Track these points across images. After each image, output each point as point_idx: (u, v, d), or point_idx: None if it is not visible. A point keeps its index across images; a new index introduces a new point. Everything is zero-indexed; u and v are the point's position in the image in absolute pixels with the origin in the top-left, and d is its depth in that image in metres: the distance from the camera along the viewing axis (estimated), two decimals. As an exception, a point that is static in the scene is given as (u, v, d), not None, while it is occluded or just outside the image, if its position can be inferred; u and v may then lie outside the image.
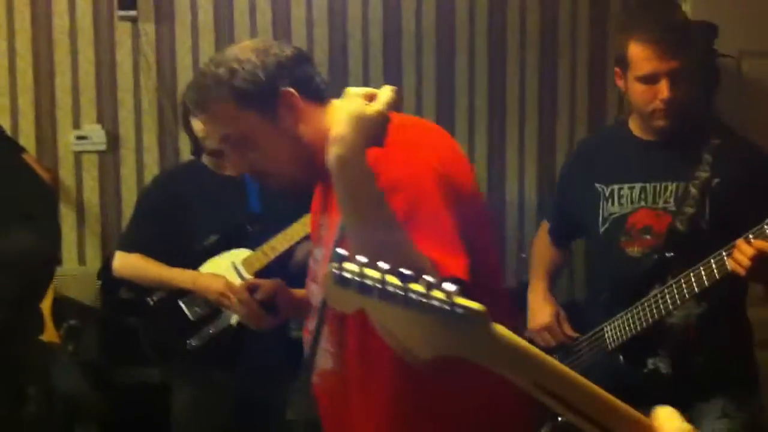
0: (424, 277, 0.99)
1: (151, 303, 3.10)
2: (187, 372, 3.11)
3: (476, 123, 4.45)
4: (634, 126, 2.51)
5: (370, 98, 1.44)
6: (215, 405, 3.07)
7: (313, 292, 1.76)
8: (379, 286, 1.00)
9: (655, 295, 2.32)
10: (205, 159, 3.13)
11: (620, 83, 2.46)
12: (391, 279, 1.00)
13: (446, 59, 4.43)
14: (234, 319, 3.02)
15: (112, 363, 3.79)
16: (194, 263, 3.06)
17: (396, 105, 1.45)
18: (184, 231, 3.07)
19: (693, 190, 2.35)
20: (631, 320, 2.38)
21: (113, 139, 4.26)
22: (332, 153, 1.39)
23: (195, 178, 3.15)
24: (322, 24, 4.32)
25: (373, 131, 1.41)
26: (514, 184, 4.49)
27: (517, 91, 4.49)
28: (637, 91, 2.37)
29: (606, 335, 2.45)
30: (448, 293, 0.98)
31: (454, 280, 1.39)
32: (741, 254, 2.09)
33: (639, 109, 2.42)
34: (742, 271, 2.09)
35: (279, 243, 2.99)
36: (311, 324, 1.72)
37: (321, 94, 1.66)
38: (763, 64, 3.59)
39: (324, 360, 1.70)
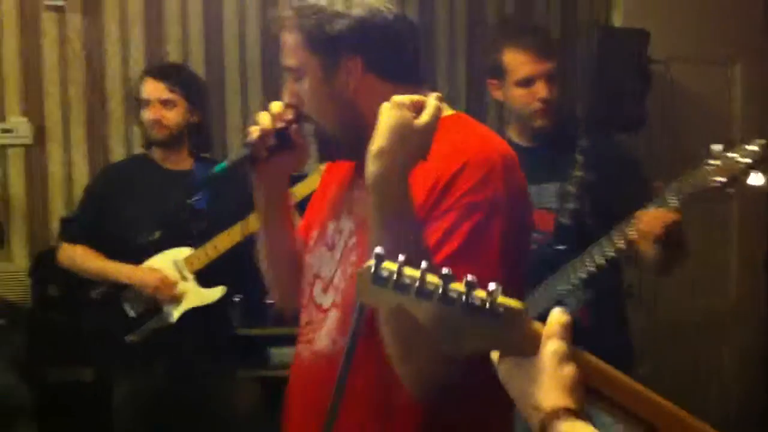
0: (468, 278, 0.98)
1: (94, 297, 3.05)
2: (127, 367, 3.08)
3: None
4: (514, 134, 2.66)
5: (417, 108, 1.32)
6: (155, 400, 3.05)
7: (323, 258, 1.67)
8: (416, 284, 0.99)
9: (548, 282, 2.46)
10: (155, 152, 3.12)
11: (497, 94, 2.63)
12: (431, 278, 1.00)
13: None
14: (174, 317, 3.01)
15: (44, 362, 3.69)
16: (138, 258, 3.04)
17: (440, 114, 1.34)
18: (128, 225, 3.05)
19: (571, 188, 2.53)
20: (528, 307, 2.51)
21: (40, 133, 4.14)
22: (370, 169, 1.30)
23: (142, 172, 3.14)
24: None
25: (419, 146, 1.30)
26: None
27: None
28: (517, 95, 2.55)
29: None
30: (489, 292, 1.00)
31: None
32: (646, 225, 2.25)
33: (519, 112, 2.59)
34: (645, 242, 2.27)
35: (221, 242, 2.99)
36: (319, 297, 1.64)
37: (397, 75, 1.56)
38: (690, 70, 3.72)
39: (325, 341, 1.60)
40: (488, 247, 1.38)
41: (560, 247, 2.50)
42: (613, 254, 2.34)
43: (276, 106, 1.63)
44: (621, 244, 2.32)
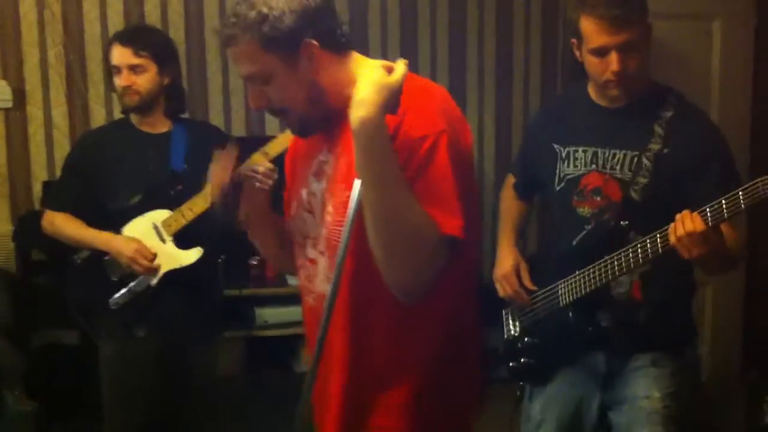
0: None
1: (78, 261, 3.07)
2: (111, 329, 3.09)
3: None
4: (592, 91, 2.62)
5: (388, 70, 1.62)
6: (140, 361, 3.07)
7: (306, 221, 1.91)
8: None
9: (606, 260, 2.43)
10: (132, 117, 3.11)
11: (577, 54, 2.55)
12: None
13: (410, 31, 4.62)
14: (155, 279, 3.03)
15: (28, 325, 3.71)
16: (120, 222, 3.05)
17: (406, 75, 1.64)
18: (109, 189, 3.06)
19: (646, 162, 2.46)
20: (583, 281, 2.51)
21: (19, 96, 4.12)
22: (355, 114, 1.58)
23: (121, 137, 3.13)
24: None
25: (391, 99, 1.60)
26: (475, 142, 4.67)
27: (476, 59, 4.69)
28: (591, 63, 2.47)
29: (559, 293, 2.58)
30: None
31: (451, 239, 1.62)
32: (680, 225, 2.19)
33: (593, 79, 2.53)
34: (674, 240, 2.19)
35: (196, 205, 3.00)
36: (311, 252, 1.90)
37: (341, 46, 1.79)
38: (670, 26, 3.70)
39: (322, 285, 1.86)
40: (439, 163, 1.67)
41: (624, 223, 2.46)
42: (650, 258, 2.30)
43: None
44: (657, 249, 2.28)
